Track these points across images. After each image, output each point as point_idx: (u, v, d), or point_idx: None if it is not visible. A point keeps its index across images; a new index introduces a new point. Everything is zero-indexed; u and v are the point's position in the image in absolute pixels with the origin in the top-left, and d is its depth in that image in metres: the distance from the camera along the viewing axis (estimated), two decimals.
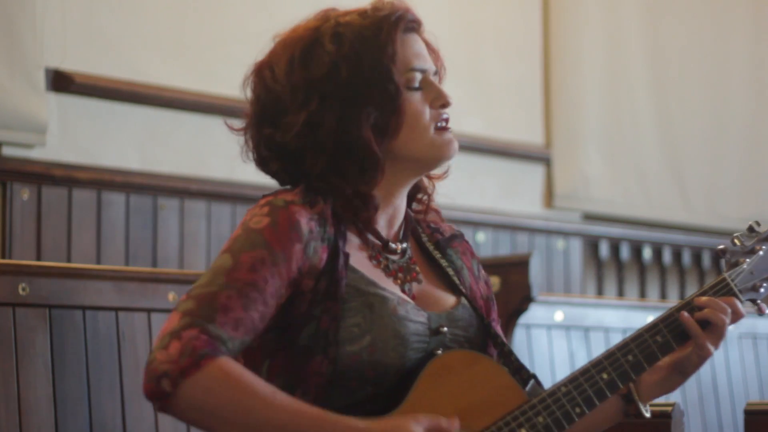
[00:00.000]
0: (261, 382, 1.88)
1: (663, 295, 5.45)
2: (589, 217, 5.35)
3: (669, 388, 2.17)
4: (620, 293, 5.35)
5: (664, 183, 5.55)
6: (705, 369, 3.80)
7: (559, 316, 3.56)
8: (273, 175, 2.10)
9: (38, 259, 3.66)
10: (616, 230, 5.35)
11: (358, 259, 2.05)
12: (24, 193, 3.68)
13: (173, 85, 4.07)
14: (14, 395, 2.32)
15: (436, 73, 2.12)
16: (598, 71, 5.39)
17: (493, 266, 3.56)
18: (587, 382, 2.05)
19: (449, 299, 2.13)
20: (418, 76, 2.07)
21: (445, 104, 2.08)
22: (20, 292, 2.38)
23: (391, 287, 2.05)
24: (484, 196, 4.98)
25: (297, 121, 2.02)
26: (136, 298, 2.54)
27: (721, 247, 2.17)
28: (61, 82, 3.82)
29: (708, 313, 2.11)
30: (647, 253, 5.44)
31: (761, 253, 2.17)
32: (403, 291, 2.08)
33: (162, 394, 1.83)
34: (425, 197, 2.23)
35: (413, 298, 2.08)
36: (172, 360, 1.83)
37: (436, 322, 2.06)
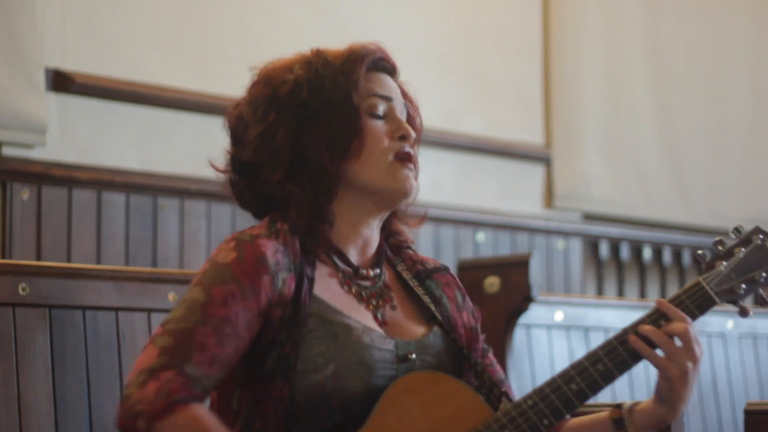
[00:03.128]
0: None
1: (663, 295, 5.45)
2: (589, 217, 5.35)
3: (662, 419, 2.08)
4: (620, 293, 5.35)
5: (664, 183, 5.55)
6: (705, 369, 3.81)
7: (559, 316, 3.56)
8: (243, 202, 2.17)
9: (38, 259, 3.66)
10: (616, 230, 5.35)
11: (328, 285, 2.08)
12: (24, 193, 3.68)
13: (173, 85, 4.07)
14: (14, 395, 2.32)
15: (407, 107, 2.17)
16: (598, 71, 5.39)
17: (493, 266, 3.56)
18: (554, 393, 2.03)
19: (421, 327, 2.14)
20: (381, 105, 2.12)
21: (405, 136, 2.11)
22: (20, 292, 2.38)
23: (359, 314, 2.07)
24: (484, 196, 4.98)
25: (254, 134, 2.09)
26: (136, 298, 2.53)
27: (700, 252, 2.15)
28: (61, 82, 3.82)
29: (649, 331, 2.05)
30: (647, 253, 5.44)
31: (740, 255, 2.14)
32: (375, 317, 2.10)
33: (136, 431, 1.90)
34: (403, 239, 2.23)
35: (385, 323, 2.10)
36: (149, 400, 1.89)
37: (404, 349, 2.07)
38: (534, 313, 3.49)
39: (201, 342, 1.93)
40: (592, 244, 5.29)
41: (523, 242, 5.02)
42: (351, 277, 2.11)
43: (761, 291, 2.16)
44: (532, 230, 5.06)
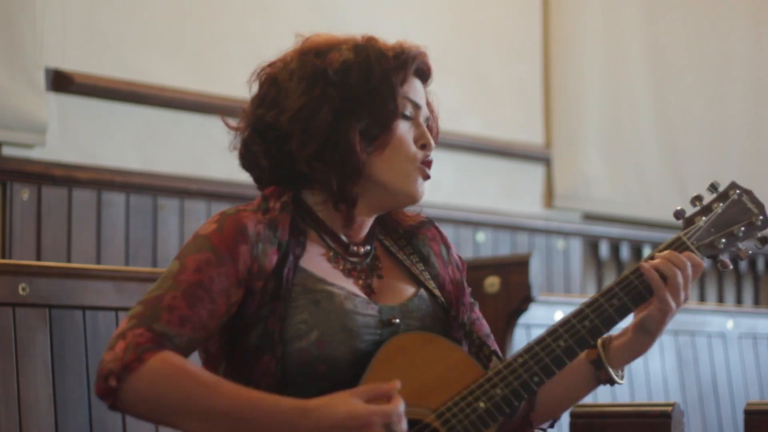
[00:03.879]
0: (204, 372, 1.93)
1: None
2: (589, 217, 5.35)
3: (638, 350, 2.15)
4: None
5: (664, 183, 5.55)
6: (705, 369, 3.82)
7: (559, 316, 3.56)
8: (249, 163, 2.15)
9: (38, 259, 3.66)
10: (616, 230, 5.36)
11: (315, 260, 2.09)
12: (24, 193, 3.68)
13: (173, 85, 4.07)
14: (14, 395, 2.32)
15: (428, 120, 2.20)
16: (598, 71, 5.39)
17: (493, 266, 3.56)
18: (543, 351, 2.06)
19: (407, 291, 2.15)
20: (410, 108, 2.14)
21: (427, 146, 2.15)
22: (20, 292, 2.38)
23: (343, 283, 2.08)
24: (484, 196, 4.98)
25: (295, 105, 2.08)
26: (136, 298, 2.51)
27: (679, 208, 2.20)
28: (61, 82, 3.82)
29: (659, 264, 2.12)
30: (647, 253, 5.42)
31: (718, 210, 2.19)
32: (363, 289, 2.11)
33: (109, 391, 1.90)
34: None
35: (373, 293, 2.11)
36: (118, 358, 1.90)
37: (388, 314, 2.08)
38: (534, 313, 3.50)
39: (169, 304, 1.95)
40: (592, 244, 5.30)
41: (523, 242, 5.02)
42: (341, 254, 2.12)
43: (739, 245, 2.19)
44: (532, 230, 5.06)
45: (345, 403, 1.85)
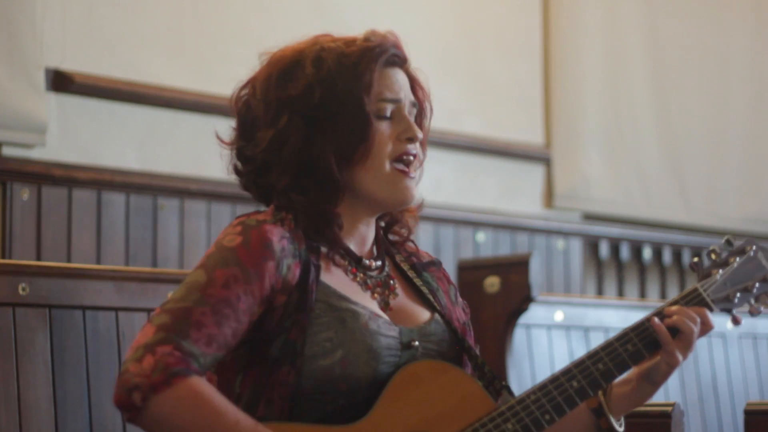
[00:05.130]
0: (229, 406, 1.92)
1: (663, 295, 5.45)
2: (589, 217, 5.35)
3: (639, 400, 2.17)
4: (620, 293, 5.35)
5: (664, 183, 5.55)
6: (705, 369, 3.81)
7: (559, 316, 3.56)
8: (244, 187, 2.15)
9: (38, 259, 3.66)
10: (616, 230, 5.35)
11: (334, 273, 2.08)
12: (24, 193, 3.68)
13: (173, 85, 4.07)
14: (14, 395, 2.32)
15: (415, 105, 2.15)
16: (598, 71, 5.39)
17: (493, 266, 3.56)
18: (556, 390, 2.06)
19: (423, 314, 2.15)
20: (389, 107, 2.10)
21: (412, 138, 2.10)
22: (20, 292, 2.38)
23: (365, 301, 2.08)
24: (484, 196, 4.98)
25: (266, 137, 2.07)
26: (136, 298, 2.53)
27: (695, 260, 2.21)
28: (61, 82, 3.82)
29: (677, 320, 2.12)
30: (647, 253, 5.44)
31: (735, 265, 2.20)
32: (379, 304, 2.10)
33: (132, 406, 1.88)
34: (404, 230, 2.23)
35: (390, 309, 2.11)
36: (145, 374, 1.87)
37: (408, 337, 2.08)
38: (534, 313, 3.49)
39: (198, 320, 1.92)
40: (592, 244, 5.29)
41: (523, 242, 5.02)
42: (356, 266, 2.11)
43: (753, 301, 2.22)
44: (532, 230, 5.06)
45: None
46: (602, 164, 5.36)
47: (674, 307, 2.14)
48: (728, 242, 2.22)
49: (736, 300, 2.19)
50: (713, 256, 2.21)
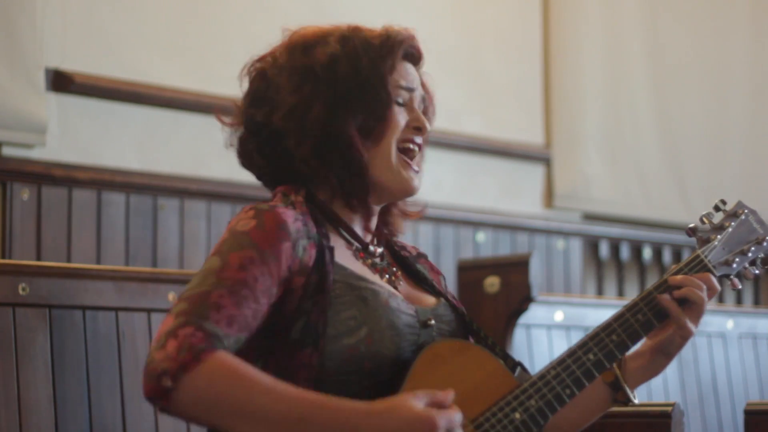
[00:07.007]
0: (260, 373, 1.88)
1: None
2: (589, 217, 5.35)
3: (654, 371, 2.21)
4: (620, 293, 5.35)
5: (664, 183, 5.55)
6: (705, 369, 3.81)
7: (559, 316, 3.56)
8: (248, 162, 2.14)
9: (38, 259, 3.66)
10: (616, 230, 5.35)
11: (344, 256, 2.09)
12: (24, 193, 3.68)
13: (173, 85, 4.07)
14: (14, 395, 2.32)
15: (424, 101, 2.19)
16: (598, 71, 5.39)
17: (493, 266, 3.56)
18: (575, 364, 2.09)
19: (429, 298, 2.17)
20: (405, 94, 2.13)
21: (421, 129, 2.13)
22: (20, 292, 2.38)
23: (379, 282, 2.09)
24: (484, 196, 4.98)
25: (287, 102, 2.07)
26: (136, 298, 2.54)
27: (691, 225, 2.24)
28: (61, 82, 3.82)
29: (686, 291, 2.15)
30: (647, 253, 5.44)
31: (730, 229, 2.23)
32: (391, 286, 2.12)
33: (163, 391, 1.83)
34: (392, 228, 2.24)
35: (400, 293, 2.12)
36: (171, 357, 1.84)
37: (424, 315, 2.09)
38: (534, 313, 3.50)
39: (217, 302, 1.89)
40: (592, 244, 5.29)
41: (523, 242, 5.02)
42: (363, 250, 2.13)
43: (747, 264, 2.25)
44: (532, 230, 5.06)
45: (410, 406, 1.83)
46: (602, 164, 5.36)
47: (679, 277, 2.16)
48: (717, 207, 2.25)
49: (734, 264, 2.22)
50: (705, 221, 2.24)
